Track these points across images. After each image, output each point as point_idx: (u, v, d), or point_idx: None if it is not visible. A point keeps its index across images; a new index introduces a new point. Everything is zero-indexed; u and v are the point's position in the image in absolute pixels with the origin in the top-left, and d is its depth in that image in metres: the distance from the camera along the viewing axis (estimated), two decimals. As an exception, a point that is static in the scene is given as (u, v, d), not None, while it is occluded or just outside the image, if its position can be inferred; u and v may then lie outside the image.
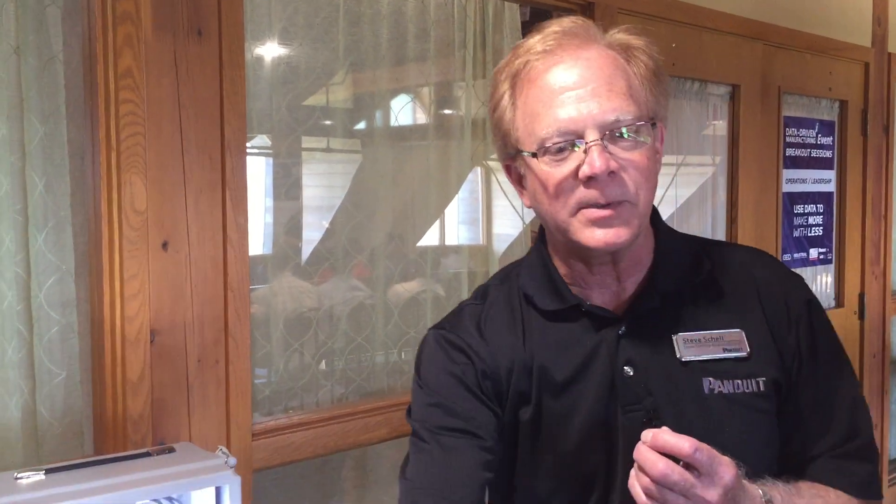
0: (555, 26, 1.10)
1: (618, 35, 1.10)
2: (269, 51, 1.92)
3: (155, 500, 1.27)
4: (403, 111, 2.28)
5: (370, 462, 2.15)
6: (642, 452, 0.91)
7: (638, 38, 1.10)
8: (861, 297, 3.43)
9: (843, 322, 3.35)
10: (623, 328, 1.12)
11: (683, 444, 0.89)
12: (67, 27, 1.54)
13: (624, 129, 1.03)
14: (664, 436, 0.90)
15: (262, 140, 1.98)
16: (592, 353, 1.13)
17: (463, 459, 1.11)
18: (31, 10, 1.51)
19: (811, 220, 3.24)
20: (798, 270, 3.22)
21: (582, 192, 1.04)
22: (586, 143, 1.02)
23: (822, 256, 3.31)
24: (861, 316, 3.42)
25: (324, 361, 2.06)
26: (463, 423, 1.13)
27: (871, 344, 3.45)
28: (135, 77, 1.49)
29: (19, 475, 1.22)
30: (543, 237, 1.22)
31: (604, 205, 1.04)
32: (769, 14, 2.93)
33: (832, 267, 3.38)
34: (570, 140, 1.03)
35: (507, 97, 1.10)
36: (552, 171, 1.05)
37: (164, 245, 1.54)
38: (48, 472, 1.24)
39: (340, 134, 2.13)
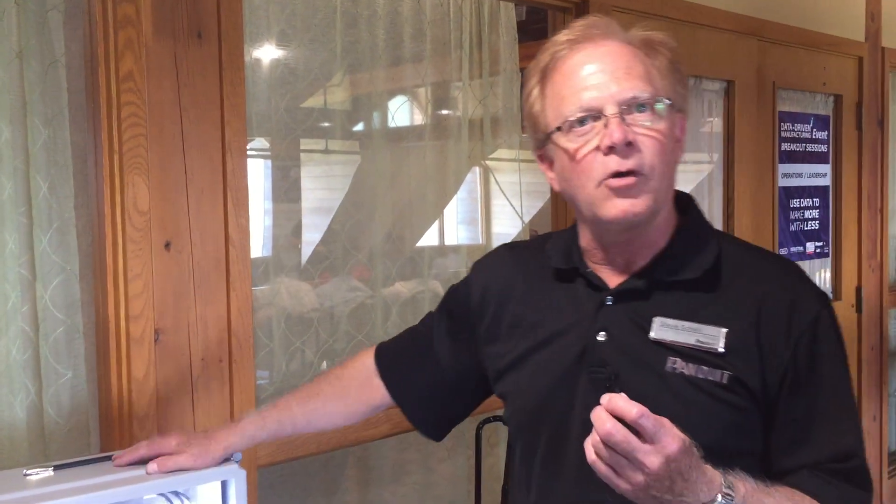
0: (580, 21, 1.21)
1: (639, 33, 1.19)
2: (268, 53, 1.94)
3: (162, 495, 1.29)
4: (401, 112, 2.30)
5: (372, 459, 2.17)
6: (597, 412, 0.95)
7: (658, 33, 1.19)
8: (858, 290, 3.45)
9: (841, 315, 3.33)
10: (609, 298, 1.20)
11: (632, 408, 0.93)
12: (69, 31, 1.57)
13: (642, 105, 1.12)
14: (618, 399, 0.94)
15: (260, 143, 2.00)
16: (579, 314, 1.22)
17: None
18: (33, 15, 1.53)
19: (807, 213, 3.26)
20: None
21: (602, 163, 1.12)
22: (606, 116, 1.11)
23: (818, 250, 3.33)
24: (858, 309, 3.44)
25: (325, 361, 2.08)
26: None
27: (870, 336, 3.47)
28: (136, 80, 1.51)
29: (28, 472, 1.24)
30: None
31: (624, 173, 1.11)
32: (763, 10, 2.96)
33: (829, 261, 3.40)
34: (592, 114, 1.12)
35: (536, 90, 1.20)
36: (575, 144, 1.14)
37: (167, 245, 1.56)
38: (56, 468, 1.26)
39: (339, 135, 2.15)
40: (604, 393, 0.96)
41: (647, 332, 1.17)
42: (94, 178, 1.54)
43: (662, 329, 1.16)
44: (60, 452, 1.54)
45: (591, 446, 0.97)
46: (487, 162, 2.45)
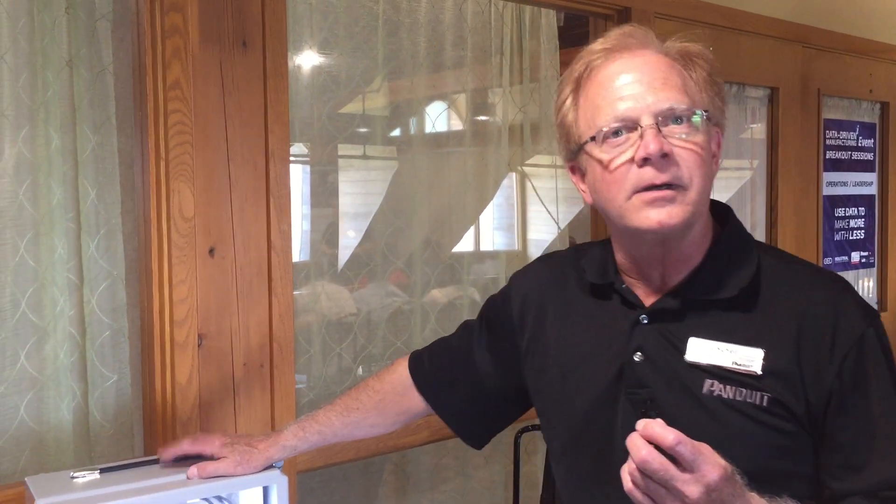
0: (616, 30, 1.17)
1: (676, 44, 1.15)
2: (311, 60, 1.96)
3: (205, 499, 1.30)
4: (440, 118, 2.31)
5: (410, 465, 2.17)
6: (632, 439, 0.93)
7: (695, 45, 1.16)
8: (905, 301, 3.38)
9: (885, 327, 3.29)
10: (644, 317, 1.17)
11: (668, 435, 0.90)
12: (117, 40, 1.59)
13: (678, 117, 1.09)
14: (654, 425, 0.91)
15: (299, 148, 2.01)
16: (614, 332, 1.19)
17: None
18: (83, 24, 1.56)
19: (853, 223, 3.20)
20: (839, 274, 3.18)
21: (637, 175, 1.09)
22: (642, 127, 1.08)
23: (863, 260, 3.26)
24: (905, 320, 3.37)
25: (362, 367, 2.08)
26: None
27: (915, 348, 3.38)
28: (183, 88, 1.54)
29: (75, 475, 1.26)
30: None
31: (658, 186, 1.08)
32: (808, 16, 2.91)
33: (874, 270, 3.33)
34: (627, 125, 1.09)
35: (569, 100, 1.17)
36: (609, 156, 1.11)
37: (211, 251, 1.58)
38: (102, 471, 1.28)
39: (378, 141, 2.16)
40: (645, 412, 0.94)
41: (683, 352, 1.13)
42: (141, 185, 1.56)
43: (698, 350, 1.12)
44: (105, 455, 1.56)
45: (627, 474, 0.94)
46: (524, 168, 2.44)
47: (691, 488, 0.91)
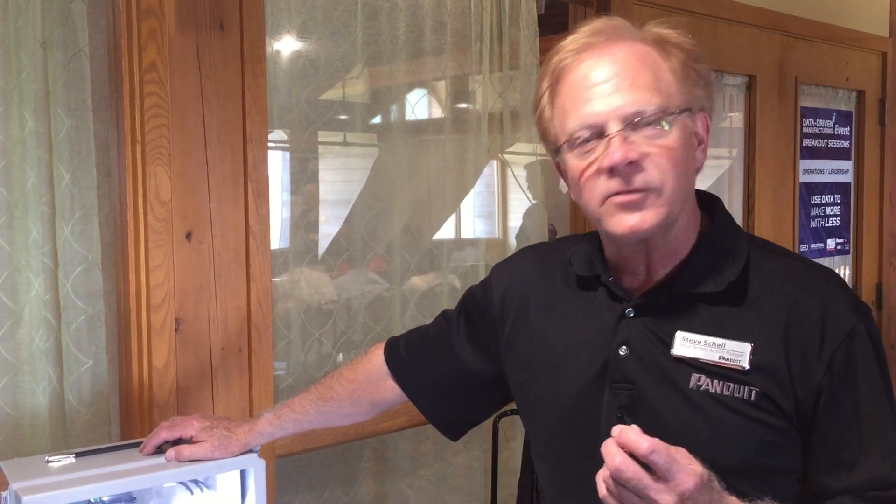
0: (586, 25, 1.14)
1: (653, 30, 1.13)
2: (289, 45, 1.94)
3: (182, 483, 1.30)
4: (420, 105, 2.30)
5: (389, 450, 2.17)
6: (607, 446, 0.92)
7: (673, 31, 1.13)
8: (879, 287, 3.43)
9: (861, 313, 3.34)
10: (630, 310, 1.15)
11: (642, 443, 0.89)
12: (93, 22, 1.57)
13: (647, 120, 1.06)
14: (628, 432, 0.90)
15: (278, 135, 2.00)
16: (600, 325, 1.18)
17: None
18: (57, 5, 1.54)
19: (828, 210, 3.23)
20: (815, 260, 3.22)
21: (606, 184, 1.08)
22: (608, 135, 1.06)
23: (839, 247, 3.30)
24: (879, 306, 3.41)
25: (342, 353, 2.08)
26: None
27: (890, 334, 3.44)
28: (159, 71, 1.52)
29: (50, 459, 1.26)
30: None
31: (629, 191, 1.07)
32: (786, 4, 2.93)
33: (849, 257, 3.37)
34: (595, 132, 1.08)
35: (546, 96, 1.16)
36: (580, 163, 1.10)
37: (189, 235, 1.57)
38: (78, 455, 1.28)
39: (358, 128, 2.15)
40: (621, 418, 0.93)
41: (670, 347, 1.11)
42: (117, 168, 1.55)
43: (685, 345, 1.10)
44: (81, 440, 1.55)
45: (602, 481, 0.93)
46: (505, 155, 2.45)
47: (664, 497, 0.89)
